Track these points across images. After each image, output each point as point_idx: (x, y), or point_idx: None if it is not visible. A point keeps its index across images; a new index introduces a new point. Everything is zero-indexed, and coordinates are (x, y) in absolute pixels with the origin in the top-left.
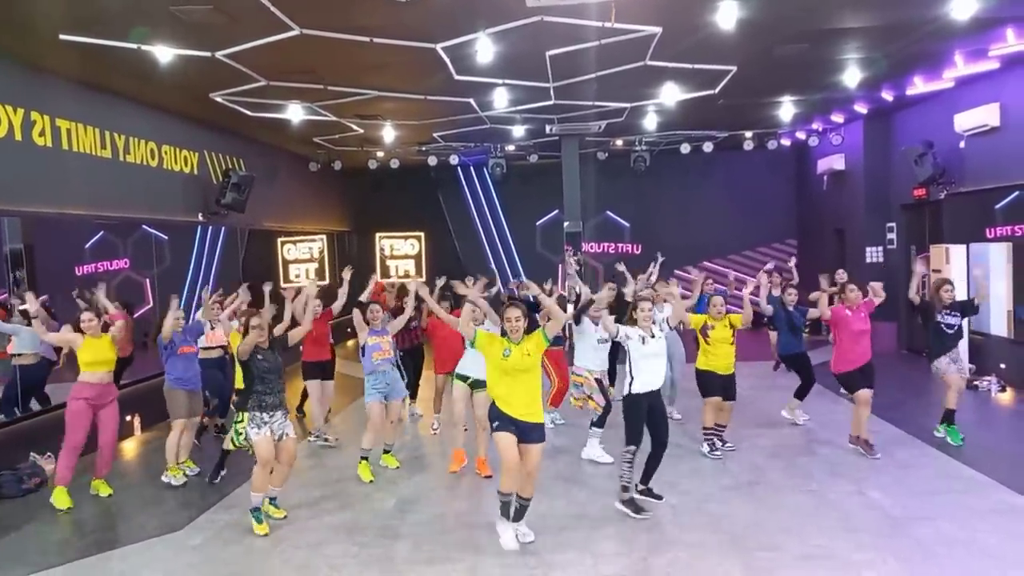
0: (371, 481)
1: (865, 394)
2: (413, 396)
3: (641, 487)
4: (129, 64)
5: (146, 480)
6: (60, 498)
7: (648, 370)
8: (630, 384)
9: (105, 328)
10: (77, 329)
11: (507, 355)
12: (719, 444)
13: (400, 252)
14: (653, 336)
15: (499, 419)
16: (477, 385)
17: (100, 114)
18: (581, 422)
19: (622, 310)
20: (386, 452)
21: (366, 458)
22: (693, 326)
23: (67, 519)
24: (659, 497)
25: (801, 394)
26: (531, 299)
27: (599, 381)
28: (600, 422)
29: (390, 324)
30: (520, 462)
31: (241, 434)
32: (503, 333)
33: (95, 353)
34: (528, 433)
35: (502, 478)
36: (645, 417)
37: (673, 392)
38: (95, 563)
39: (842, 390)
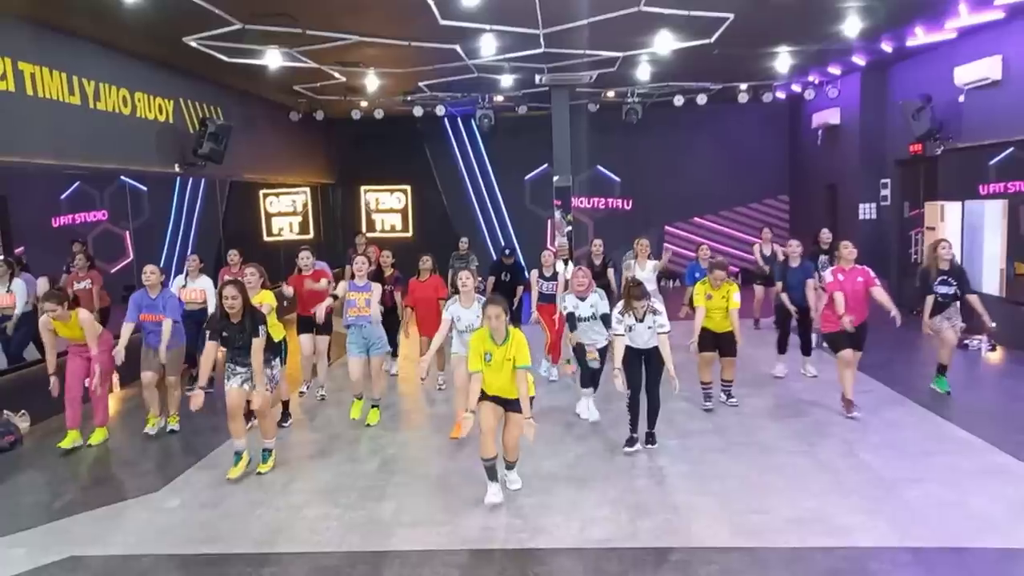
0: (354, 419)
1: (847, 354)
2: (394, 354)
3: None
4: (95, 4)
5: (124, 439)
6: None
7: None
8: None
9: (73, 306)
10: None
11: (488, 360)
12: (725, 398)
13: (386, 206)
14: (641, 321)
15: (482, 396)
16: None
17: (67, 58)
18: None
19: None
20: (373, 407)
21: (359, 398)
22: (697, 296)
23: (42, 480)
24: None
25: (783, 346)
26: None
27: (579, 346)
28: (593, 382)
29: (376, 288)
30: (502, 429)
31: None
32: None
33: (66, 332)
34: (507, 405)
35: (480, 443)
36: (638, 369)
37: None
38: (66, 526)
39: (824, 345)
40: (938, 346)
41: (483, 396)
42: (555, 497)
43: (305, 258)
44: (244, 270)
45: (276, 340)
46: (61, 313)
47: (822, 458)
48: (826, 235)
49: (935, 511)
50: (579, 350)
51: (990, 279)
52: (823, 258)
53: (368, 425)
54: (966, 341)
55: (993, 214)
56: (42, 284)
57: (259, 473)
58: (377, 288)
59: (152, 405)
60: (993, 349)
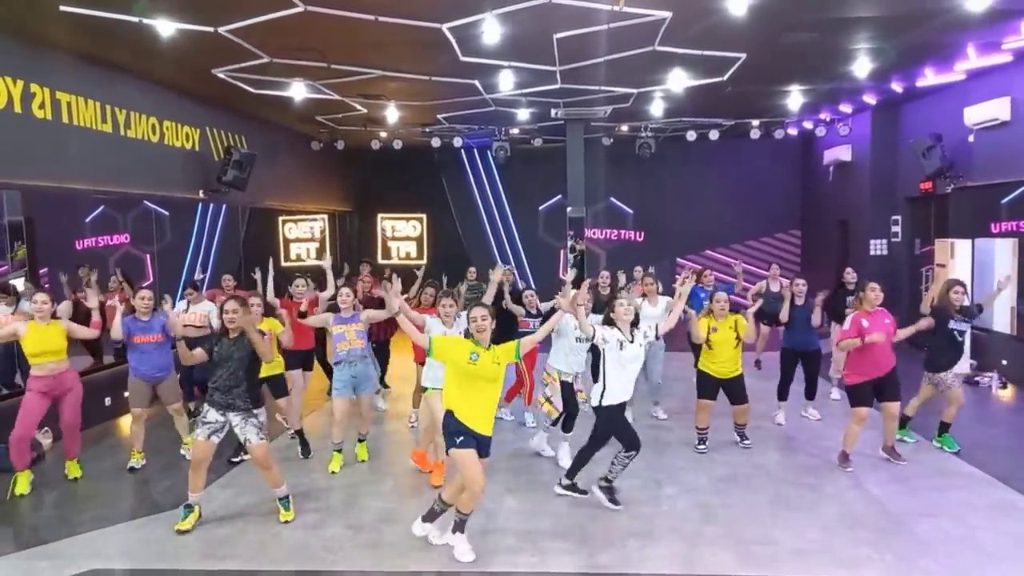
0: (333, 472)
1: (864, 412)
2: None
3: (566, 481)
4: (130, 38)
5: (157, 456)
6: (22, 483)
7: (621, 378)
8: (602, 395)
9: (55, 315)
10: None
11: (475, 359)
12: (740, 439)
13: (402, 234)
14: (632, 341)
15: (463, 433)
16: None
17: (101, 88)
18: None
19: (600, 307)
20: (360, 441)
21: (339, 451)
22: (700, 332)
23: (65, 495)
24: (583, 492)
25: (809, 393)
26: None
27: (565, 384)
28: (566, 426)
29: (364, 313)
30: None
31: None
32: (467, 335)
33: (40, 343)
34: (483, 448)
35: (465, 497)
36: (622, 426)
37: (655, 393)
38: (89, 540)
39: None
40: (945, 403)
41: (467, 436)
42: (565, 523)
43: (299, 286)
44: (249, 299)
45: (275, 372)
46: (48, 310)
47: (829, 491)
48: (851, 275)
49: (943, 546)
50: (567, 390)
51: (1001, 317)
52: (850, 299)
53: (361, 461)
54: (977, 378)
55: (1003, 252)
56: (65, 307)
57: (284, 522)
58: (366, 315)
59: (136, 441)
60: (1004, 386)
